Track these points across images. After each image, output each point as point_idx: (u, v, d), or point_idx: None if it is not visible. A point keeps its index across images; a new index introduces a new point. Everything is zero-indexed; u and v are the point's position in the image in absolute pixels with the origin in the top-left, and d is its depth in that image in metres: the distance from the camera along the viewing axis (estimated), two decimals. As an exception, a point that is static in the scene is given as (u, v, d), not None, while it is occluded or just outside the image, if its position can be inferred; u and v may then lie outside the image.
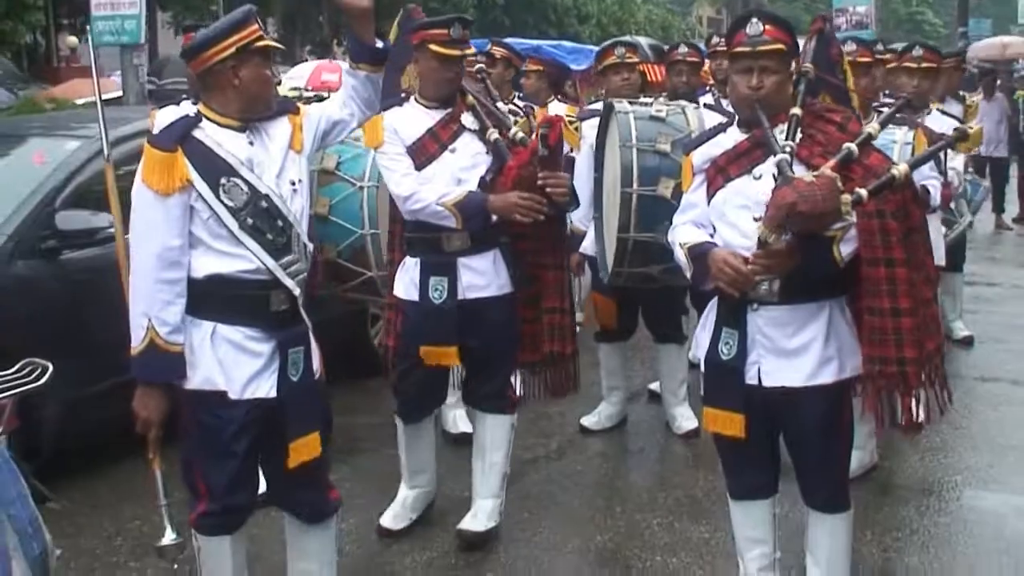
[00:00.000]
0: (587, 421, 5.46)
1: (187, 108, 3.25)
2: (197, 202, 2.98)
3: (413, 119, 3.98)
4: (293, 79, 12.66)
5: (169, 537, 3.27)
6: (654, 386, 5.82)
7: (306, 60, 20.93)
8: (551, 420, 5.53)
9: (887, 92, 5.72)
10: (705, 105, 5.41)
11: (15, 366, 2.92)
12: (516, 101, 6.47)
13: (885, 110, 4.25)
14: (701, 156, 3.31)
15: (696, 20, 57.57)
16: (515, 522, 4.32)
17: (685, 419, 5.34)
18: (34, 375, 2.89)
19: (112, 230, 3.86)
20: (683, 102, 4.98)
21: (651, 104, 4.79)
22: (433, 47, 3.90)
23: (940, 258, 4.66)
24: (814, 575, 3.37)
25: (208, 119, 3.06)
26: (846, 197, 2.87)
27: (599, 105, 5.31)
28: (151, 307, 2.95)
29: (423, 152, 3.94)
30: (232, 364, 3.03)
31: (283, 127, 3.17)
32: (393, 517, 4.27)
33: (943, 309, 6.47)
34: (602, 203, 4.91)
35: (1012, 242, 11.88)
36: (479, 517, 4.14)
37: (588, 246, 5.12)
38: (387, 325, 4.28)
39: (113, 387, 3.94)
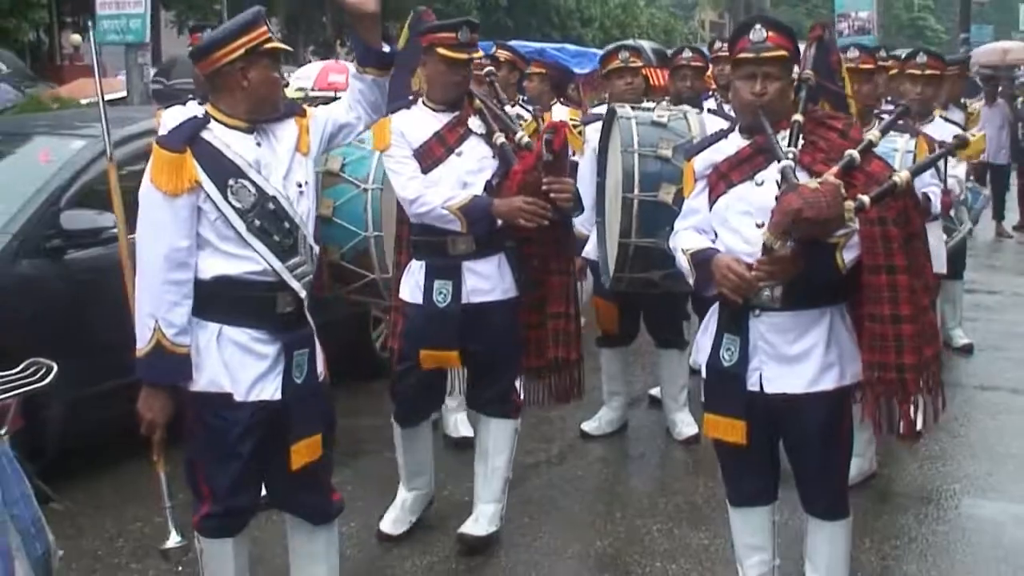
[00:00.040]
0: (588, 426, 5.47)
1: (194, 109, 3.25)
2: (205, 203, 2.98)
3: (420, 122, 3.99)
4: (300, 80, 12.72)
5: (173, 540, 3.28)
6: (655, 391, 5.81)
7: (310, 61, 20.95)
8: (552, 425, 5.52)
9: (889, 99, 5.72)
10: (708, 110, 5.43)
11: (19, 366, 2.91)
12: (523, 104, 6.47)
13: (887, 117, 4.26)
14: (702, 162, 3.32)
15: (699, 24, 57.50)
16: (516, 527, 4.33)
17: (685, 425, 5.34)
18: (38, 375, 2.88)
19: (116, 230, 3.86)
20: (686, 107, 4.99)
21: (653, 109, 4.79)
22: (441, 50, 3.91)
23: (941, 266, 4.65)
24: (813, 582, 3.38)
25: (216, 120, 3.06)
26: (849, 204, 2.89)
27: (603, 109, 5.32)
28: (158, 308, 2.95)
29: (429, 155, 3.94)
30: (238, 366, 3.03)
31: (290, 129, 3.17)
32: (392, 522, 4.27)
33: (943, 317, 6.48)
34: (604, 208, 4.92)
35: (1012, 250, 11.84)
36: (480, 521, 4.14)
37: (590, 250, 5.12)
38: (391, 328, 4.28)
39: (116, 387, 3.94)
